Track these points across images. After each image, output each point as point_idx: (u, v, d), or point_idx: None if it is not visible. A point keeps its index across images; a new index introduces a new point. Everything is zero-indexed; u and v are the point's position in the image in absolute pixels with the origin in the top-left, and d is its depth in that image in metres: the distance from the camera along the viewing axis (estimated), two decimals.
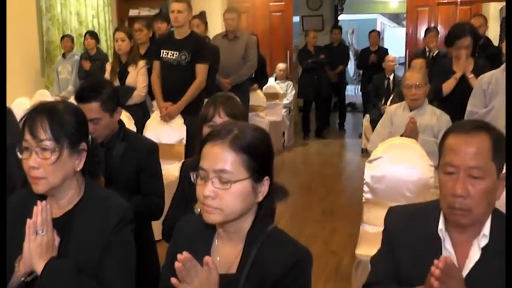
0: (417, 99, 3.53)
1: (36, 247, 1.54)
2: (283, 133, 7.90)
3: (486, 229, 1.52)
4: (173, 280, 1.34)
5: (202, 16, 5.90)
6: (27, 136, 1.59)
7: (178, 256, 1.32)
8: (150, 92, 5.03)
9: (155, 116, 4.87)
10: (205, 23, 5.81)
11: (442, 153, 1.54)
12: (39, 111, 1.62)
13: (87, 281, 1.58)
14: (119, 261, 1.64)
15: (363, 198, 3.12)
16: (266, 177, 1.44)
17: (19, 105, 5.77)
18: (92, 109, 2.42)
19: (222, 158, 1.37)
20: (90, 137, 1.79)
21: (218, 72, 6.01)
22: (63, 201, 1.68)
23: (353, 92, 12.46)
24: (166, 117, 4.72)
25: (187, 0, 4.77)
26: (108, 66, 5.22)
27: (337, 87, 8.88)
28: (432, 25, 7.54)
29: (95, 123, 2.43)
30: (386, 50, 8.52)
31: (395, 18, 16.98)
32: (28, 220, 1.56)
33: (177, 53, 4.75)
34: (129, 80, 4.99)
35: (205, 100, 5.08)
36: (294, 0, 10.83)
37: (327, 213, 4.74)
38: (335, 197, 5.39)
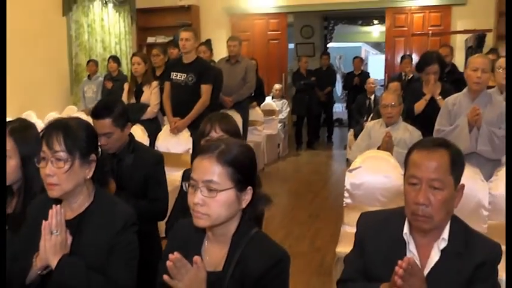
0: (392, 116, 3.52)
1: (51, 246, 1.55)
2: (279, 144, 7.90)
3: (445, 233, 1.50)
4: (165, 277, 1.33)
5: (208, 43, 5.94)
6: (45, 147, 1.61)
7: (170, 256, 1.32)
8: (162, 109, 5.08)
9: (165, 129, 4.88)
10: (211, 49, 5.84)
11: (407, 166, 1.52)
12: (55, 126, 1.64)
13: (94, 275, 1.57)
14: (122, 259, 1.63)
15: (344, 202, 3.09)
16: (249, 187, 1.43)
17: (51, 118, 5.74)
18: (105, 125, 2.44)
19: (210, 170, 1.36)
20: (100, 149, 1.80)
21: (221, 92, 6.06)
22: (75, 205, 1.68)
23: (340, 109, 12.42)
24: (175, 131, 4.76)
25: (194, 30, 4.84)
26: (126, 86, 5.26)
27: (325, 105, 8.91)
28: (407, 53, 7.54)
29: (108, 137, 2.46)
30: (368, 73, 8.55)
31: (377, 46, 16.97)
32: (44, 222, 1.56)
33: (185, 75, 4.80)
34: (144, 98, 5.04)
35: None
36: (289, 29, 10.95)
37: (312, 216, 4.69)
38: (321, 202, 5.35)
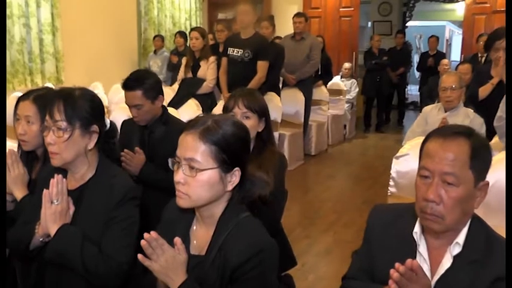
0: (451, 100, 3.19)
1: (51, 214, 1.56)
2: (345, 126, 7.64)
3: (460, 238, 1.28)
4: (139, 256, 1.27)
5: (270, 19, 5.78)
6: (47, 117, 1.61)
7: (145, 235, 1.26)
8: (219, 84, 5.03)
9: (220, 104, 4.84)
10: (273, 25, 5.67)
11: (420, 156, 1.32)
12: (58, 95, 1.64)
13: (90, 247, 1.56)
14: (118, 233, 1.59)
15: (388, 191, 2.86)
16: (236, 169, 1.32)
17: (116, 90, 5.96)
18: (135, 96, 2.44)
19: (192, 147, 1.29)
20: (108, 121, 1.78)
21: (284, 69, 5.93)
22: (78, 175, 1.68)
23: (417, 91, 11.77)
24: None
25: (251, 5, 4.72)
26: (184, 61, 5.28)
27: (398, 87, 8.44)
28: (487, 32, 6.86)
29: (138, 108, 2.46)
30: (444, 54, 7.96)
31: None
32: (45, 190, 1.57)
33: (242, 50, 4.71)
34: (200, 73, 5.06)
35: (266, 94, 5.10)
36: (366, 7, 10.47)
37: (367, 203, 4.44)
38: (379, 188, 5.07)
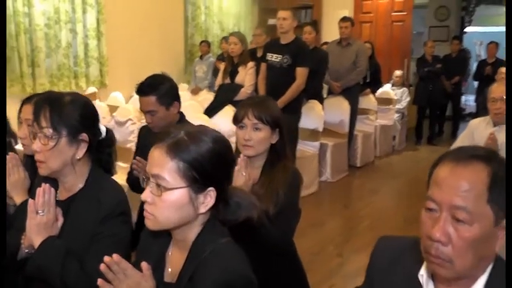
0: (501, 113, 2.85)
1: (34, 225, 1.47)
2: (394, 137, 7.25)
3: (478, 287, 1.03)
4: (99, 281, 1.14)
5: (314, 24, 5.60)
6: (34, 123, 1.53)
7: (105, 258, 1.13)
8: (257, 91, 4.87)
9: None
10: (317, 30, 5.48)
11: (428, 184, 1.07)
12: (45, 101, 1.54)
13: (72, 263, 1.45)
14: (102, 251, 1.44)
15: None
16: (210, 189, 1.15)
17: None
18: (149, 102, 2.35)
19: (158, 163, 1.13)
20: (104, 129, 1.67)
21: (330, 76, 5.72)
22: (67, 186, 1.59)
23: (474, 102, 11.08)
24: None
25: (292, 9, 4.57)
26: (222, 66, 5.18)
27: (452, 96, 7.92)
28: None
29: (152, 114, 2.37)
30: (503, 61, 7.34)
31: None
32: (30, 200, 1.49)
33: (281, 56, 4.56)
34: (238, 79, 4.95)
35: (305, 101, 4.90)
36: (422, 11, 10.00)
37: (408, 222, 4.13)
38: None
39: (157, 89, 2.33)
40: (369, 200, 4.94)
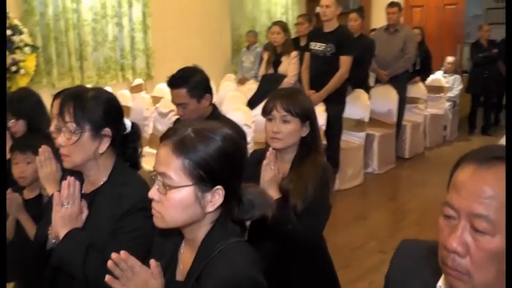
0: None
1: (59, 217, 1.49)
2: (445, 127, 6.91)
3: None
4: (107, 278, 1.12)
5: (360, 11, 5.40)
6: (59, 117, 1.53)
7: (112, 255, 1.11)
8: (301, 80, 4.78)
9: None
10: (362, 17, 5.28)
11: (448, 188, 0.94)
12: (69, 96, 1.54)
13: (93, 256, 1.45)
14: (122, 246, 1.43)
15: None
16: (218, 187, 1.10)
17: (227, 87, 6.05)
18: (179, 94, 2.34)
19: (164, 160, 1.09)
20: (130, 124, 1.66)
21: (377, 64, 5.53)
22: (92, 179, 1.59)
23: None
24: None
25: None
26: (265, 56, 5.11)
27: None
28: None
29: (183, 107, 2.35)
30: None
31: None
32: (55, 192, 1.52)
33: (324, 45, 4.42)
34: (281, 69, 4.87)
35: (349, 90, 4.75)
36: None
37: None
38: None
39: (188, 81, 2.30)
40: (416, 192, 4.74)
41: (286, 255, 1.82)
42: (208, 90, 2.37)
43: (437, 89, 6.69)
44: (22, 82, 4.66)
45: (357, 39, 4.87)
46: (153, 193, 1.10)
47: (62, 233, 1.47)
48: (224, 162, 1.09)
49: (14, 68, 4.57)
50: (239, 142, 1.16)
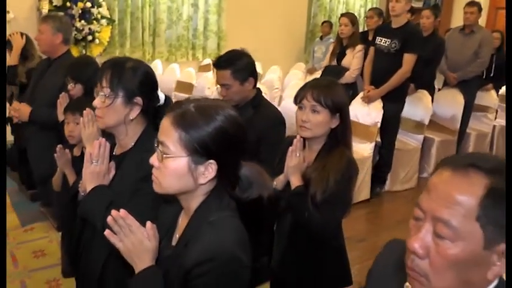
0: None
1: (88, 173, 1.59)
2: None
3: None
4: (106, 232, 1.20)
5: (434, 8, 5.17)
6: (98, 83, 1.65)
7: (112, 211, 1.19)
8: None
9: (360, 96, 4.52)
10: (436, 15, 5.04)
11: None
12: (110, 63, 1.66)
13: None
14: (138, 207, 1.52)
15: None
16: (211, 161, 1.15)
17: (273, 70, 6.07)
18: (224, 76, 2.40)
19: (165, 131, 1.17)
20: (163, 96, 1.74)
21: (448, 65, 5.29)
22: (122, 143, 1.70)
23: None
24: (366, 99, 4.35)
25: None
26: (331, 47, 5.05)
27: None
28: None
29: (227, 88, 2.42)
30: None
31: None
32: (87, 150, 1.63)
33: (389, 40, 4.31)
34: (345, 62, 4.82)
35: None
36: None
37: None
38: None
39: (234, 64, 2.36)
40: None
41: (300, 245, 1.85)
42: (253, 74, 2.41)
43: None
44: (96, 51, 4.95)
45: (426, 38, 4.69)
46: (153, 159, 1.18)
47: (89, 188, 1.59)
48: (221, 139, 1.14)
49: (89, 38, 4.86)
50: (241, 123, 1.20)
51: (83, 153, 2.28)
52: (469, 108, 5.39)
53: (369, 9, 5.38)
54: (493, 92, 5.92)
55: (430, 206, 0.85)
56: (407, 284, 0.96)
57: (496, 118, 6.01)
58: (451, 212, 0.82)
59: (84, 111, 2.01)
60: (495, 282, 0.87)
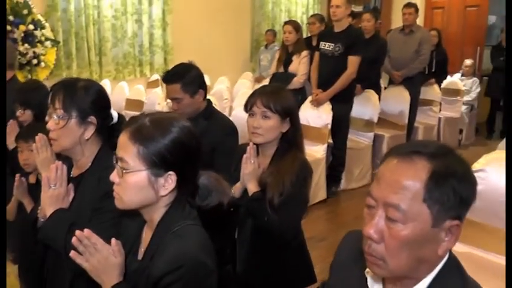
0: None
1: (48, 197, 1.59)
2: (461, 130, 6.84)
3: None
4: (72, 253, 1.22)
5: (374, 11, 5.41)
6: (50, 104, 1.66)
7: (76, 232, 1.22)
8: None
9: (308, 100, 4.66)
10: (376, 18, 5.28)
11: None
12: (61, 85, 1.68)
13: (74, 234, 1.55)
14: (98, 227, 1.54)
15: None
16: (171, 173, 1.20)
17: (221, 81, 6.12)
18: (174, 89, 2.43)
19: (122, 146, 1.21)
20: (116, 114, 1.77)
21: (391, 64, 5.53)
22: (79, 164, 1.70)
23: None
24: (315, 103, 4.50)
25: None
26: (276, 55, 5.18)
27: None
28: None
29: (178, 101, 2.45)
30: None
31: None
32: (44, 174, 1.63)
33: (333, 44, 4.47)
34: (291, 68, 4.94)
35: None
36: None
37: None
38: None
39: (183, 77, 2.39)
40: None
41: (265, 250, 1.90)
42: (203, 85, 2.46)
43: (453, 92, 6.62)
44: (42, 74, 4.87)
45: (369, 40, 4.90)
46: (113, 176, 1.22)
47: (48, 212, 1.58)
48: (178, 150, 1.20)
49: (35, 61, 4.78)
50: (195, 133, 1.25)
51: (38, 180, 2.28)
52: (415, 103, 5.66)
53: (311, 16, 5.57)
54: (435, 86, 6.24)
55: (381, 194, 0.94)
56: (367, 269, 1.05)
57: (440, 110, 6.32)
58: (399, 196, 0.92)
59: (37, 137, 2.00)
60: (446, 258, 0.97)
